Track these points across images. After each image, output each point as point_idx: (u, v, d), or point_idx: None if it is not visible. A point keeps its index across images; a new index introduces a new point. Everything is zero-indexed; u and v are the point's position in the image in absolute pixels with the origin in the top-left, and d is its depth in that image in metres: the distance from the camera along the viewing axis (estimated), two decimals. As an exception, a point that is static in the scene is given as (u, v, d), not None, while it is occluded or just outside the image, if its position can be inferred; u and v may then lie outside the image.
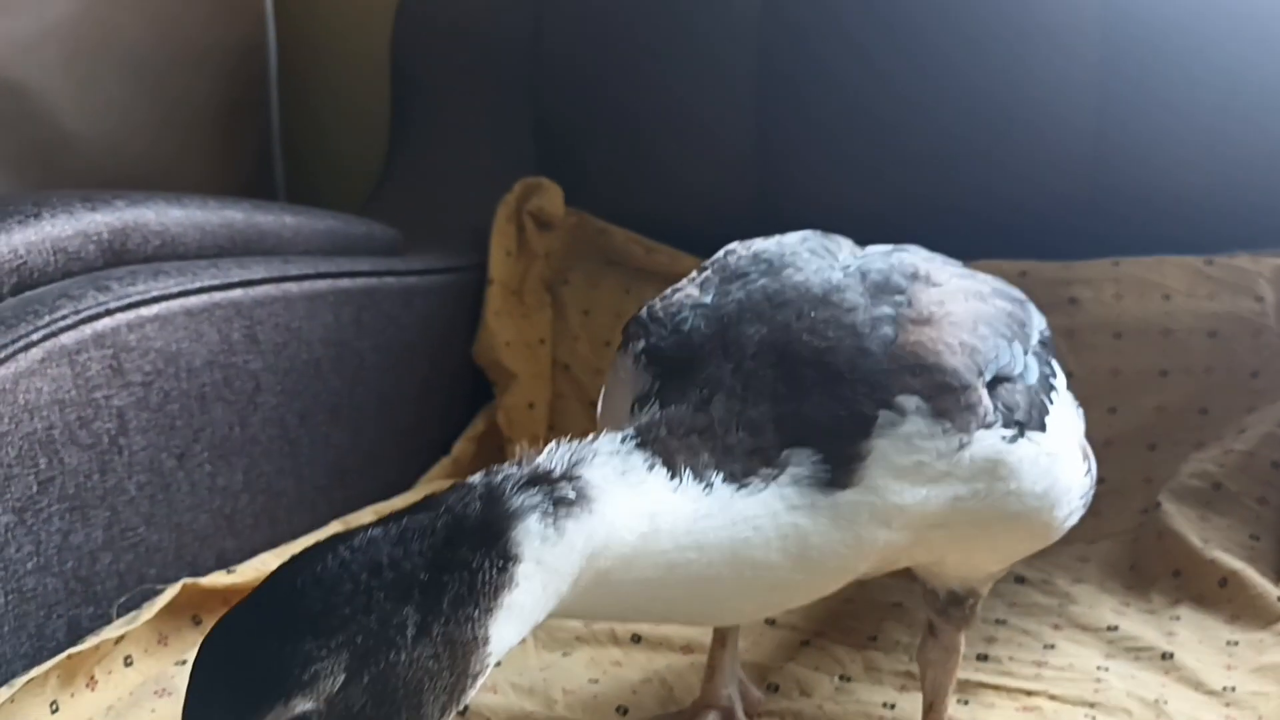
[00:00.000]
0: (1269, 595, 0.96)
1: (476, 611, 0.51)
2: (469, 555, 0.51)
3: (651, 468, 0.58)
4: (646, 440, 0.59)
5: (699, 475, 0.59)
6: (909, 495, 0.62)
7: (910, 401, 0.62)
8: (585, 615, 0.67)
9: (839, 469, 0.60)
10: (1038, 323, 0.75)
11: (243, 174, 1.72)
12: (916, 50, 1.29)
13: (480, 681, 0.54)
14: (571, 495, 0.55)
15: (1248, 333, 1.16)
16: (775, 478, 0.60)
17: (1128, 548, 1.09)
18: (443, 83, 1.59)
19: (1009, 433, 0.64)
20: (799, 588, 0.64)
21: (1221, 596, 0.99)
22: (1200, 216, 1.22)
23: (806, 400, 0.62)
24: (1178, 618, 0.98)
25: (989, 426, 0.63)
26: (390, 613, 0.49)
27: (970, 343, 0.65)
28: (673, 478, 0.58)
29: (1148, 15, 1.22)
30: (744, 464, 0.60)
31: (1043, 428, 0.67)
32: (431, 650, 0.50)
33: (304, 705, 0.47)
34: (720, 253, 0.77)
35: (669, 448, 0.59)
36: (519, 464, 0.56)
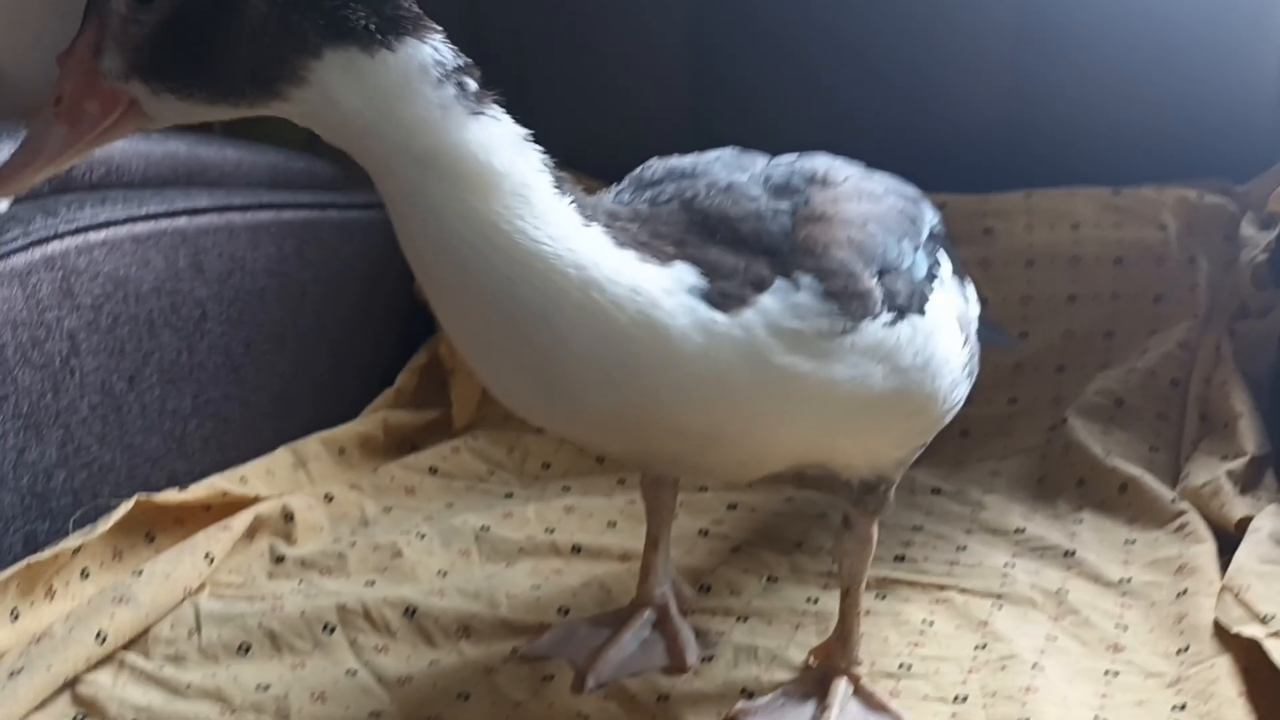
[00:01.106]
0: (1164, 498, 1.03)
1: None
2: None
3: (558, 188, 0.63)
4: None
5: (587, 217, 0.64)
6: (781, 357, 0.66)
7: (805, 278, 0.67)
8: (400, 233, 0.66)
9: (721, 296, 0.65)
10: (929, 218, 0.80)
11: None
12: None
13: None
14: (469, 86, 0.61)
15: (1152, 260, 1.23)
16: (661, 266, 0.64)
17: (1037, 462, 1.16)
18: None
19: (889, 316, 0.69)
20: (647, 380, 0.65)
21: (1121, 501, 1.06)
22: (1109, 151, 1.29)
23: (711, 248, 0.67)
24: (1080, 520, 1.05)
25: (875, 317, 0.69)
26: None
27: (858, 239, 0.70)
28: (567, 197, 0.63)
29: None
30: (636, 248, 0.64)
31: (922, 312, 0.72)
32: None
33: None
34: (637, 169, 0.81)
35: (581, 198, 0.65)
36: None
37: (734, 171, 0.74)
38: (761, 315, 0.66)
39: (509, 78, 1.46)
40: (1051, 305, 1.24)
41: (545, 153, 0.64)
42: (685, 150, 1.42)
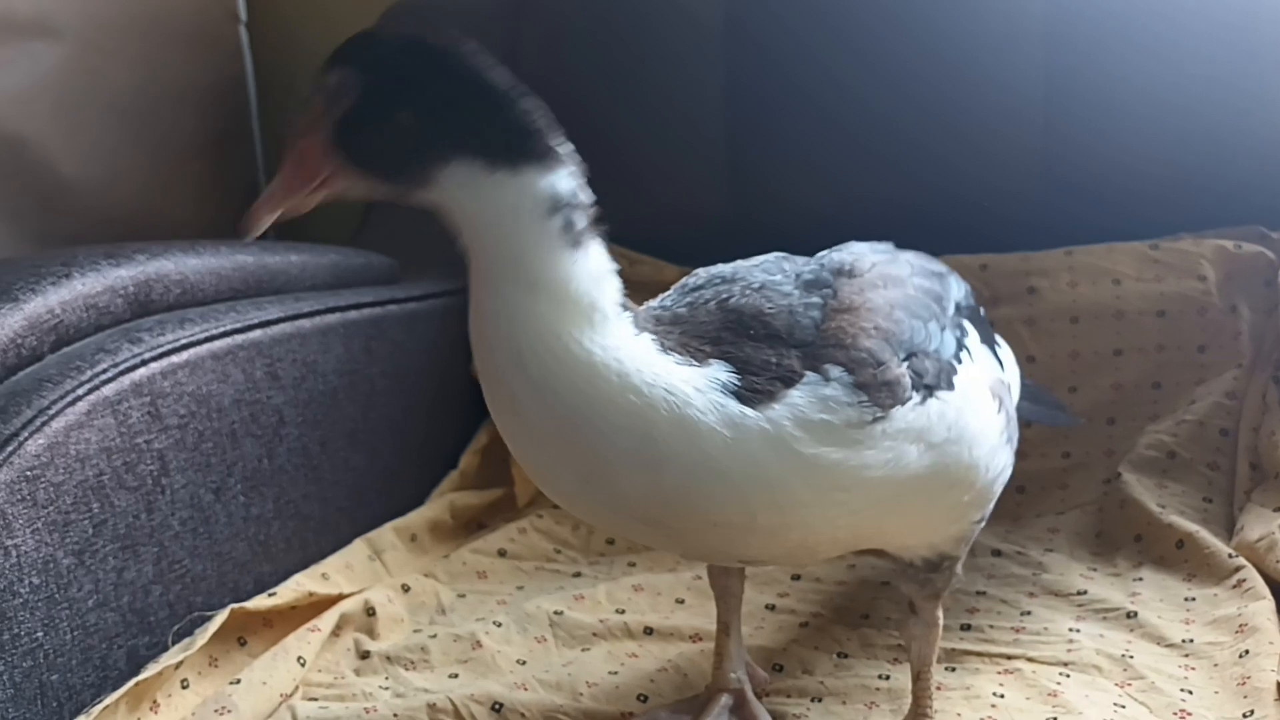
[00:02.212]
0: (1221, 553, 1.05)
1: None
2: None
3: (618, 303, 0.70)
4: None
5: (639, 327, 0.70)
6: (809, 448, 0.69)
7: (834, 370, 0.71)
8: None
9: (751, 391, 0.69)
10: (955, 293, 0.84)
11: (231, 208, 1.78)
12: (875, 61, 1.37)
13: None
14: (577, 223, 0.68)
15: (1194, 310, 1.25)
16: (698, 366, 0.69)
17: (1093, 517, 1.19)
18: (422, 109, 1.65)
19: (919, 396, 0.73)
20: (680, 474, 0.69)
21: (1179, 557, 1.08)
22: (1145, 203, 1.31)
23: (745, 344, 0.71)
24: (1140, 579, 1.07)
25: (905, 403, 0.72)
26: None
27: (885, 326, 0.74)
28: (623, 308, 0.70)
29: (1088, 21, 1.31)
30: (676, 346, 0.70)
31: (951, 387, 0.75)
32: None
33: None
34: (683, 278, 0.85)
35: (634, 309, 0.72)
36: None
37: (771, 274, 0.78)
38: (789, 409, 0.69)
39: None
40: (1098, 359, 1.27)
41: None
42: (723, 226, 1.47)
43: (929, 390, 0.74)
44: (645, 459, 0.68)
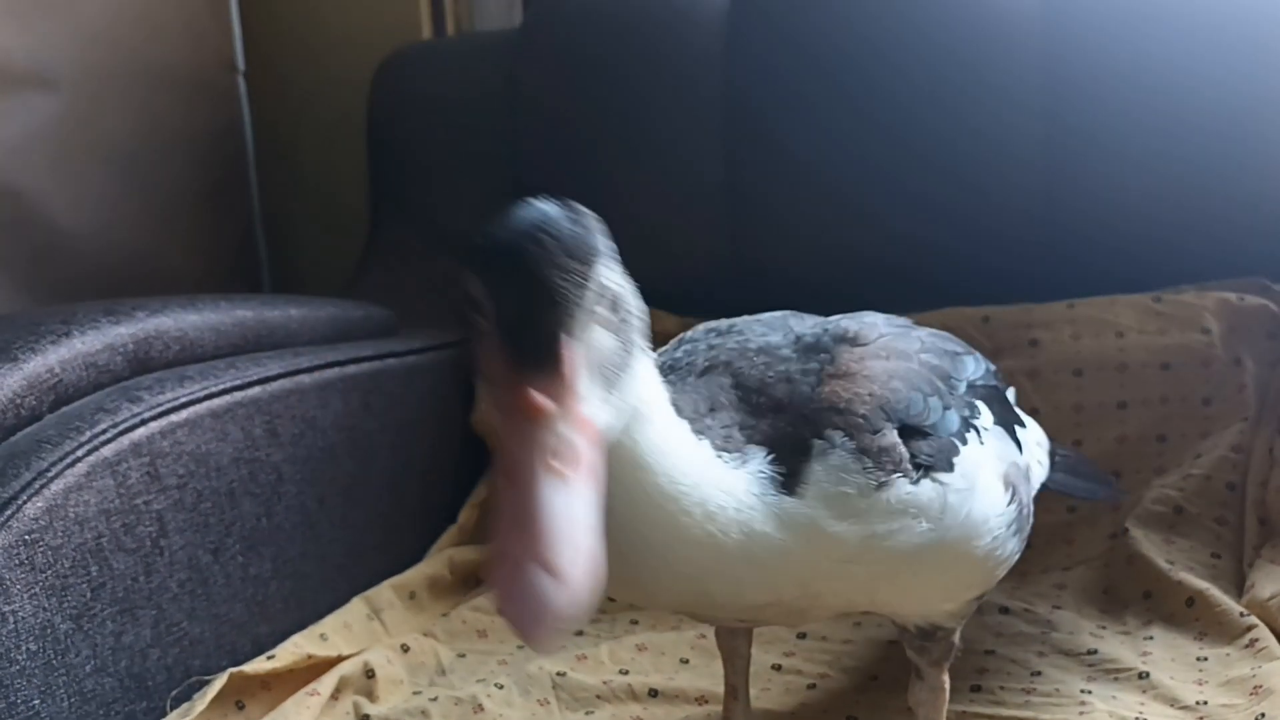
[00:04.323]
0: (1232, 611, 1.04)
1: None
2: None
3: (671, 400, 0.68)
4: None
5: (694, 426, 0.68)
6: (834, 525, 0.69)
7: (837, 435, 0.70)
8: None
9: (789, 476, 0.69)
10: (970, 372, 0.83)
11: (227, 256, 1.78)
12: (875, 112, 1.38)
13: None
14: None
15: (1198, 363, 1.24)
16: (743, 464, 0.68)
17: (1100, 573, 1.17)
18: (422, 158, 1.65)
19: (915, 474, 0.72)
20: (731, 572, 0.69)
21: (1189, 615, 1.07)
22: (1147, 255, 1.31)
23: (760, 418, 0.71)
24: (1151, 638, 1.06)
25: (904, 473, 0.71)
26: None
27: (880, 394, 0.73)
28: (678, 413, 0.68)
29: (1087, 71, 1.31)
30: (722, 442, 0.69)
31: (950, 468, 0.74)
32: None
33: None
34: (689, 332, 0.85)
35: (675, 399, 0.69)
36: None
37: (770, 333, 0.78)
38: (816, 487, 0.69)
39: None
40: (1102, 412, 1.26)
41: None
42: (723, 277, 1.46)
43: (925, 471, 0.72)
44: (709, 572, 0.68)
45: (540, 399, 0.55)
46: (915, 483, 0.71)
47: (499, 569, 0.52)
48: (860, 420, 0.71)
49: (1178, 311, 1.26)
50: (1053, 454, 0.99)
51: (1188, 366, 1.24)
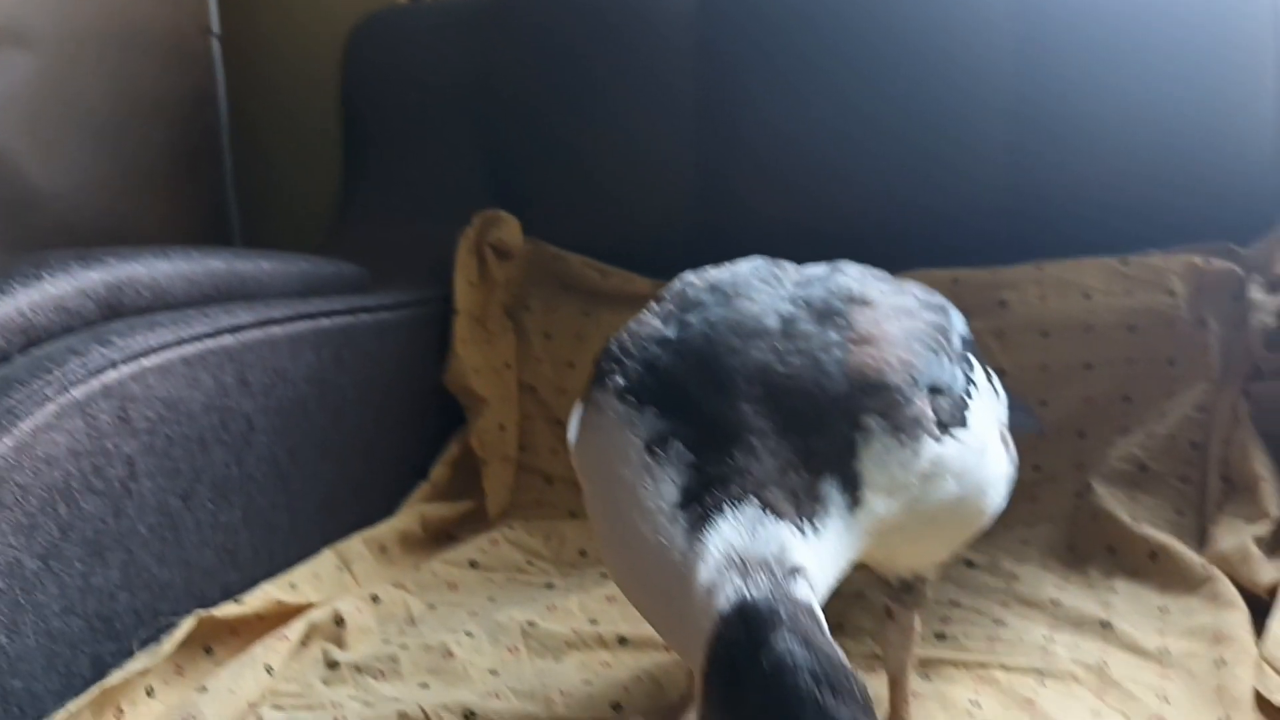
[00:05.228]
0: (1194, 564, 1.06)
1: None
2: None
3: (781, 525, 0.64)
4: (759, 498, 0.64)
5: (798, 522, 0.65)
6: (882, 506, 0.69)
7: (872, 421, 0.68)
8: None
9: (851, 492, 0.67)
10: (958, 326, 0.82)
11: (199, 219, 1.78)
12: (845, 77, 1.39)
13: None
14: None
15: (1163, 324, 1.26)
16: (827, 512, 0.66)
17: (1065, 529, 1.19)
18: (394, 121, 1.65)
19: (938, 433, 0.71)
20: None
21: (1152, 568, 1.09)
22: (1115, 219, 1.33)
23: (808, 431, 0.67)
24: (1114, 589, 1.08)
25: (931, 435, 0.71)
26: None
27: (907, 359, 0.72)
28: (793, 525, 0.64)
29: (1058, 38, 1.32)
30: (808, 503, 0.66)
31: (964, 424, 0.74)
32: None
33: None
34: (676, 283, 0.82)
35: (769, 500, 0.65)
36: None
37: (772, 289, 0.76)
38: (868, 482, 0.68)
39: (527, 182, 1.49)
40: (1068, 373, 1.27)
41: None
42: (693, 238, 1.46)
43: (944, 428, 0.72)
44: None
45: None
46: (940, 441, 0.71)
47: None
48: (894, 395, 0.69)
49: (1144, 274, 1.28)
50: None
51: (1153, 328, 1.26)
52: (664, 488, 0.66)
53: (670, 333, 0.74)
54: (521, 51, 1.57)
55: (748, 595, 0.59)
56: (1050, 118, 1.34)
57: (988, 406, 0.80)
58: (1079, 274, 1.29)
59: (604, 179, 1.52)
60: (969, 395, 0.76)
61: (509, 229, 1.46)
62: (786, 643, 0.57)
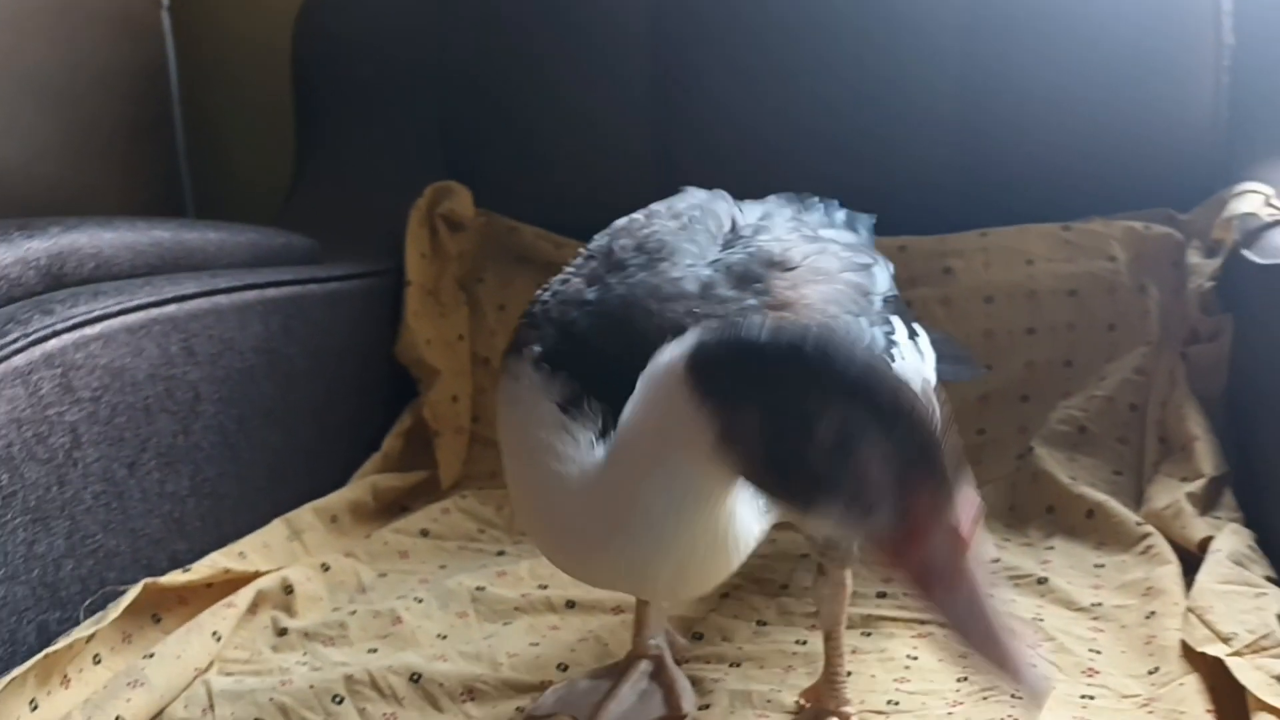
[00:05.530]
0: (1129, 522, 1.08)
1: None
2: None
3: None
4: None
5: None
6: None
7: None
8: None
9: None
10: (881, 284, 0.84)
11: (151, 192, 1.76)
12: (795, 58, 1.40)
13: None
14: None
15: (1104, 290, 1.28)
16: None
17: (1006, 491, 1.21)
18: (346, 93, 1.64)
19: None
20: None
21: (1089, 526, 1.11)
22: (1058, 187, 1.35)
23: None
24: (1051, 548, 1.10)
25: None
26: None
27: (824, 324, 0.73)
28: None
29: (1002, 12, 1.34)
30: None
31: None
32: None
33: None
34: (607, 235, 0.84)
35: None
36: None
37: (697, 248, 0.78)
38: None
39: (481, 153, 1.49)
40: (1012, 338, 1.29)
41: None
42: (651, 185, 1.46)
43: None
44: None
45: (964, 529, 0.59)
46: None
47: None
48: None
49: (1086, 240, 1.29)
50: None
51: (1094, 293, 1.28)
52: (581, 437, 0.69)
53: (591, 294, 0.76)
54: (475, 23, 1.57)
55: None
56: (996, 93, 1.36)
57: (911, 367, 0.81)
58: (1022, 241, 1.31)
59: (557, 152, 1.52)
60: (890, 356, 0.77)
61: (460, 200, 1.46)
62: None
